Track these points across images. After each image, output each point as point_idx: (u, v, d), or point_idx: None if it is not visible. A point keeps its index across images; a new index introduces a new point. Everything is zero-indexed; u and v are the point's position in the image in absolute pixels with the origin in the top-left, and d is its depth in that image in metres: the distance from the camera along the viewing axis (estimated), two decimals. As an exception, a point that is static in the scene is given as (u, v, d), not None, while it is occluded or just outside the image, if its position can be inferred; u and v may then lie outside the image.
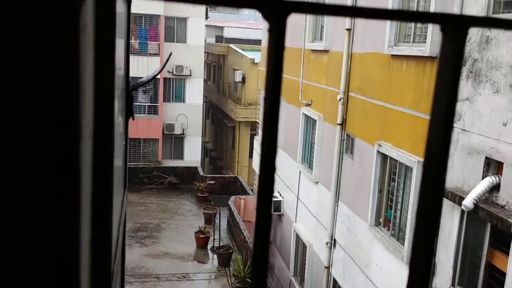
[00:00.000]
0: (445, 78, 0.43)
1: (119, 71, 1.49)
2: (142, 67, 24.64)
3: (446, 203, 6.94)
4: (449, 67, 0.42)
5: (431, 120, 0.45)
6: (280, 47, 0.40)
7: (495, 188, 6.07)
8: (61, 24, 0.49)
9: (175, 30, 26.50)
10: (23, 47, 0.49)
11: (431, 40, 7.37)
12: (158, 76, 25.28)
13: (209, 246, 17.75)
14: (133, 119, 1.85)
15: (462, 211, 6.55)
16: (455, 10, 6.84)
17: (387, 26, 8.69)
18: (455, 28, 0.43)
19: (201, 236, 17.70)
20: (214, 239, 17.47)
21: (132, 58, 26.10)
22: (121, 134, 1.61)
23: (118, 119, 1.46)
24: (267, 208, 0.43)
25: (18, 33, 0.49)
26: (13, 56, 0.49)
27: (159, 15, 25.49)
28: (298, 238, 13.30)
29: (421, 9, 8.12)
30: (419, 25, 8.17)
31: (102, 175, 0.74)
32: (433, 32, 7.34)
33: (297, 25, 13.39)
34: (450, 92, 0.43)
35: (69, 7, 0.49)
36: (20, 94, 0.50)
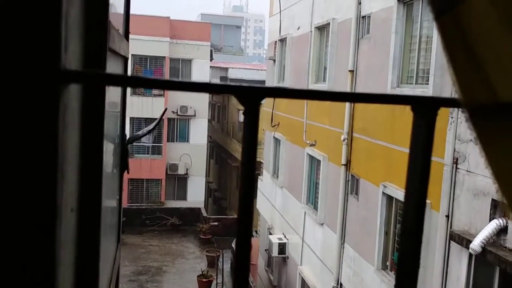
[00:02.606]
0: (417, 156, 0.45)
1: (115, 125, 1.48)
2: (146, 108, 24.90)
3: (454, 246, 6.80)
4: (420, 145, 0.44)
5: (405, 195, 0.47)
6: (254, 127, 0.44)
7: (503, 230, 5.96)
8: (38, 106, 0.48)
9: (180, 71, 26.91)
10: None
11: (434, 81, 7.42)
12: (163, 117, 25.48)
13: (212, 290, 17.39)
14: (128, 172, 1.83)
15: (470, 255, 6.40)
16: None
17: (390, 67, 8.78)
18: (425, 109, 0.45)
19: (204, 280, 17.36)
20: (217, 283, 17.14)
21: (137, 99, 26.48)
22: (115, 189, 1.58)
23: (113, 173, 1.44)
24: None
25: None
26: None
27: (164, 57, 25.95)
28: (303, 282, 13.01)
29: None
30: (421, 66, 8.25)
31: (88, 246, 0.71)
32: (435, 73, 7.40)
33: (301, 66, 13.58)
34: (422, 169, 0.45)
35: (48, 91, 0.49)
36: None
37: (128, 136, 1.91)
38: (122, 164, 1.70)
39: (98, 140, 0.76)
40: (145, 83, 0.47)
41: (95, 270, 0.84)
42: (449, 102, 0.47)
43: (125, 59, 1.69)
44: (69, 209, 0.59)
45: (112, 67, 1.23)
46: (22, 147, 0.49)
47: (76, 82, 0.59)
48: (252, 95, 0.44)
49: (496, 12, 0.40)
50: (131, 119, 23.54)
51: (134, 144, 25.44)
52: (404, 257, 0.47)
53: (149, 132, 2.55)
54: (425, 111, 0.46)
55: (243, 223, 0.45)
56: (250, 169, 0.44)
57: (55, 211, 0.51)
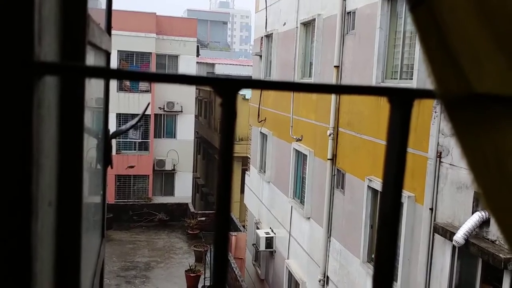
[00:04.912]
0: (393, 147, 0.46)
1: (98, 119, 1.49)
2: (133, 103, 24.74)
3: (438, 239, 6.90)
4: (397, 136, 0.44)
5: (383, 184, 0.47)
6: (231, 118, 0.45)
7: (485, 223, 6.05)
8: (10, 98, 0.49)
9: (166, 67, 26.77)
10: None
11: (418, 76, 7.50)
12: (149, 113, 25.37)
13: (200, 285, 17.40)
14: (111, 167, 1.84)
15: (454, 247, 6.50)
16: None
17: (375, 63, 8.84)
18: (401, 100, 0.46)
19: (192, 274, 17.37)
20: (205, 278, 17.15)
21: (123, 95, 26.25)
22: (98, 183, 1.59)
23: (96, 168, 1.45)
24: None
25: None
26: None
27: (151, 53, 25.79)
28: (290, 275, 13.09)
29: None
30: (405, 61, 8.33)
31: (68, 241, 0.72)
32: (419, 68, 7.47)
33: (287, 61, 13.61)
34: (398, 161, 0.45)
35: (20, 83, 0.49)
36: None
37: (111, 131, 1.92)
38: (106, 159, 1.71)
39: (77, 133, 0.77)
40: (123, 75, 0.47)
41: (76, 266, 0.85)
42: (425, 93, 0.49)
43: (107, 54, 1.69)
44: (46, 202, 0.60)
45: (93, 61, 1.24)
46: None
47: (51, 74, 0.59)
48: (228, 87, 0.44)
49: (468, 3, 0.41)
50: (118, 115, 23.38)
51: (121, 140, 25.29)
52: (381, 246, 0.48)
53: (132, 126, 2.55)
54: (401, 102, 0.47)
55: (222, 214, 0.45)
56: (227, 161, 0.45)
57: (30, 204, 0.51)
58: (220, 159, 0.46)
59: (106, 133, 1.75)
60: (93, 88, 1.31)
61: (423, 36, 0.45)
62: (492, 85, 0.42)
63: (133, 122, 2.69)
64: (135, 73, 0.48)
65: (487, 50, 0.42)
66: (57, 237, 0.69)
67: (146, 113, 25.12)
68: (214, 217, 0.47)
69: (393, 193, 0.47)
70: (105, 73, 0.47)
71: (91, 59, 1.15)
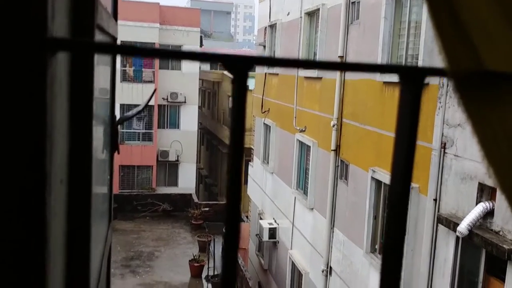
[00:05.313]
0: (404, 126, 0.45)
1: (105, 105, 1.49)
2: (137, 94, 24.75)
3: (441, 229, 6.90)
4: (408, 115, 0.44)
5: (392, 171, 0.48)
6: (242, 96, 0.45)
7: (489, 214, 6.05)
8: (26, 78, 0.49)
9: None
10: None
11: (423, 66, 7.45)
12: (153, 103, 25.37)
13: (203, 275, 17.50)
14: (118, 153, 1.84)
15: (457, 238, 6.51)
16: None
17: (379, 53, 8.80)
18: (412, 78, 0.45)
19: (196, 264, 17.46)
20: (208, 268, 17.24)
21: (127, 86, 26.29)
22: (105, 169, 1.59)
23: (103, 153, 1.45)
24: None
25: None
26: None
27: (154, 43, 25.72)
28: (293, 265, 13.14)
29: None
30: (410, 52, 8.28)
31: (78, 218, 0.72)
32: (424, 58, 7.43)
33: (291, 51, 13.55)
34: (409, 137, 0.45)
35: (35, 59, 0.50)
36: None
37: (118, 117, 1.92)
38: (112, 144, 1.72)
39: (87, 111, 0.77)
40: (132, 51, 0.47)
41: (87, 241, 0.86)
42: (435, 71, 0.48)
43: (114, 39, 1.69)
44: (58, 180, 0.61)
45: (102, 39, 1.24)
46: (11, 116, 0.50)
47: (63, 50, 0.60)
48: (240, 64, 0.44)
49: None
50: (121, 105, 23.39)
51: (125, 131, 25.33)
52: (389, 230, 0.49)
53: (138, 112, 2.56)
54: (412, 80, 0.46)
55: (233, 196, 0.44)
56: (239, 138, 0.45)
57: (44, 177, 0.52)
58: (231, 136, 0.46)
59: (112, 119, 1.76)
60: (100, 72, 1.31)
61: (434, 12, 0.45)
62: (503, 63, 0.42)
63: (139, 108, 2.69)
64: (146, 49, 0.49)
65: (499, 27, 0.41)
66: (69, 214, 0.69)
67: (150, 103, 25.12)
68: (226, 198, 0.46)
69: (403, 175, 0.47)
70: (116, 49, 0.47)
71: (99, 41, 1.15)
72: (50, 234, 0.55)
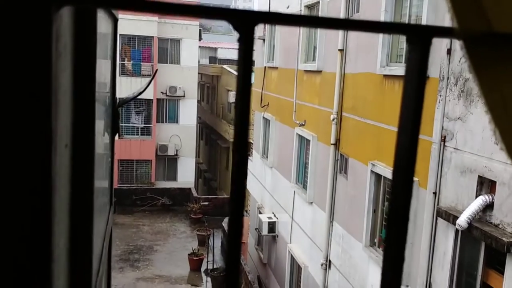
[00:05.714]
0: (411, 88, 0.45)
1: (105, 88, 1.48)
2: (135, 88, 24.67)
3: (441, 223, 6.91)
4: (415, 76, 0.44)
5: (399, 128, 0.47)
6: (248, 54, 0.43)
7: (489, 207, 6.05)
8: (31, 33, 0.48)
9: (168, 51, 26.66)
10: None
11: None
12: (152, 97, 25.32)
13: (202, 269, 17.53)
14: (119, 136, 1.84)
15: (457, 231, 6.52)
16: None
17: (379, 47, 8.77)
18: (419, 37, 0.44)
19: (195, 258, 17.50)
20: (207, 261, 17.28)
21: (125, 79, 26.24)
22: (106, 149, 1.58)
23: (104, 135, 1.44)
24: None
25: None
26: None
27: (153, 37, 25.66)
28: (293, 259, 13.17)
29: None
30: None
31: (81, 183, 0.71)
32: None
33: (291, 46, 13.52)
34: (417, 100, 0.45)
35: (40, 18, 0.49)
36: None
37: (118, 100, 1.91)
38: (114, 126, 1.70)
39: (90, 71, 0.76)
40: (135, 4, 0.45)
41: (90, 205, 0.85)
42: (444, 31, 0.47)
43: (115, 20, 1.67)
44: (63, 144, 0.60)
45: (103, 26, 1.23)
46: (17, 74, 0.49)
47: (68, 3, 0.58)
48: (246, 19, 0.42)
49: None
50: (120, 99, 23.32)
51: (124, 125, 25.29)
52: (397, 192, 0.48)
53: (139, 93, 2.55)
54: (419, 39, 0.45)
55: (240, 160, 0.44)
56: (246, 98, 0.43)
57: (50, 135, 0.51)
58: (237, 96, 0.43)
59: (113, 100, 1.74)
60: (102, 67, 1.30)
61: None
62: (511, 26, 0.41)
63: (141, 90, 2.68)
64: (150, 2, 0.45)
65: None
66: (72, 180, 0.69)
67: (148, 97, 25.09)
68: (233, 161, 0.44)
69: (411, 130, 0.47)
70: (120, 3, 0.45)
71: (102, 22, 1.14)
72: (55, 196, 0.54)
